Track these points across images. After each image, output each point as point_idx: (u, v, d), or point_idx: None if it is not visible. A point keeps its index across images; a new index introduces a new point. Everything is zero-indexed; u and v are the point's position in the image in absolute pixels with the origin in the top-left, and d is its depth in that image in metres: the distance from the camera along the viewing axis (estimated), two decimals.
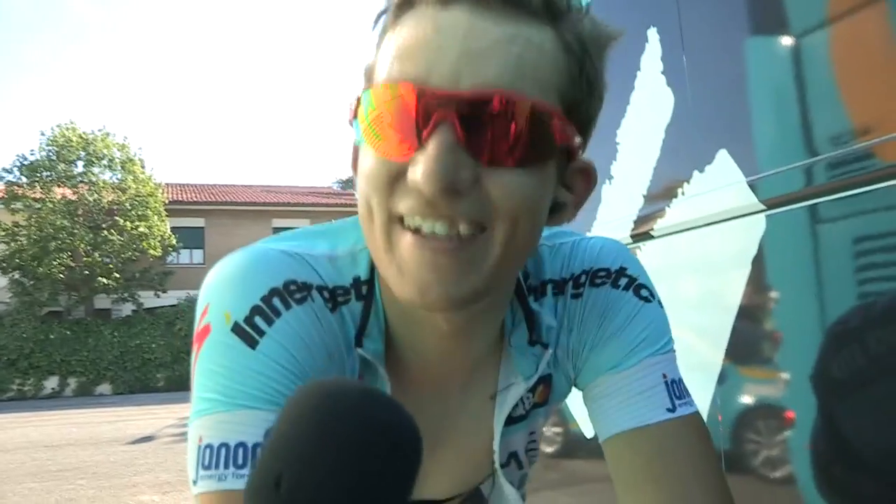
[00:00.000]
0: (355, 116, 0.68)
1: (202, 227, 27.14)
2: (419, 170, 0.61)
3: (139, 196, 23.40)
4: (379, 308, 0.78)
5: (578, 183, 0.76)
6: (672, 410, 0.79)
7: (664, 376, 0.82)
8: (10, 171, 22.72)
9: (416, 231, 0.64)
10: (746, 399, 1.69)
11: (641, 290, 0.86)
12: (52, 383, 22.83)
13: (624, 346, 0.83)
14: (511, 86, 0.62)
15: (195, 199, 27.91)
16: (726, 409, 1.70)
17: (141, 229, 23.08)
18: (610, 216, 2.13)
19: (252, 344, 0.68)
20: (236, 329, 0.69)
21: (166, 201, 24.84)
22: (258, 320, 0.69)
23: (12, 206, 22.11)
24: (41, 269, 21.94)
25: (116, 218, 22.83)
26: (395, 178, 0.64)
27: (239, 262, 0.74)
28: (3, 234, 21.92)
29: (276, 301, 0.70)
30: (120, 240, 22.78)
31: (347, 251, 0.79)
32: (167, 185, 27.35)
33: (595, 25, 0.70)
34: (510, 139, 0.62)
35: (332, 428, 0.42)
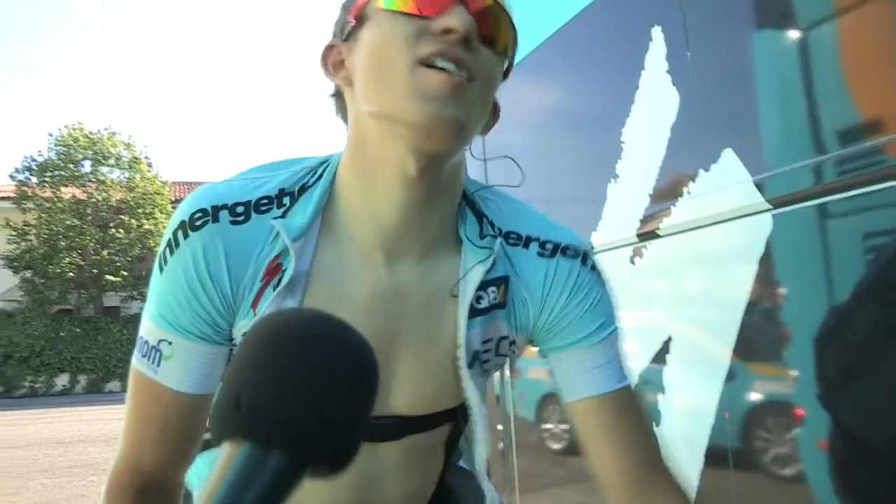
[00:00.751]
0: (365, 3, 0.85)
1: None
2: (449, 18, 0.79)
3: (146, 194, 23.44)
4: (317, 192, 0.89)
5: (492, 112, 0.93)
6: (622, 381, 0.95)
7: (618, 351, 0.96)
8: (20, 172, 22.79)
9: (434, 68, 0.79)
10: (754, 396, 1.69)
11: (601, 275, 0.98)
12: (62, 380, 22.91)
13: (594, 322, 0.94)
14: (501, 3, 0.85)
15: None
16: (733, 406, 1.70)
17: (147, 227, 23.14)
18: (615, 215, 2.13)
19: (161, 269, 0.87)
20: (158, 260, 0.87)
21: (172, 199, 24.90)
22: (167, 251, 0.86)
23: (23, 205, 22.17)
24: (51, 267, 22.01)
25: (123, 216, 22.89)
26: (417, 34, 0.79)
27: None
28: (14, 233, 22.01)
29: (179, 233, 0.86)
30: (127, 238, 22.84)
31: (290, 172, 0.92)
32: (173, 183, 27.40)
33: None
34: (499, 31, 0.84)
35: (280, 347, 0.46)
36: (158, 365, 0.87)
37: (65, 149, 22.97)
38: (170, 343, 0.86)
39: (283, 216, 0.87)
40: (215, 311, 0.86)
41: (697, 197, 1.78)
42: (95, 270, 22.58)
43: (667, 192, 1.91)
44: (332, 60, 0.91)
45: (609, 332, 0.95)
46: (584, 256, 0.96)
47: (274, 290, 0.85)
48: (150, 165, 24.30)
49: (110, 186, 23.11)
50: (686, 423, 1.83)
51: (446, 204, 0.91)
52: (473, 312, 0.91)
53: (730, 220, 1.69)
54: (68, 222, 22.02)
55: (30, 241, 22.13)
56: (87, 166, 23.26)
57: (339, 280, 0.88)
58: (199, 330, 0.86)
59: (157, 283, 0.87)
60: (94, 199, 22.75)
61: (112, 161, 23.56)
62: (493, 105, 0.92)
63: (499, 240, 0.93)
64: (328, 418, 0.45)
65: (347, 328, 0.49)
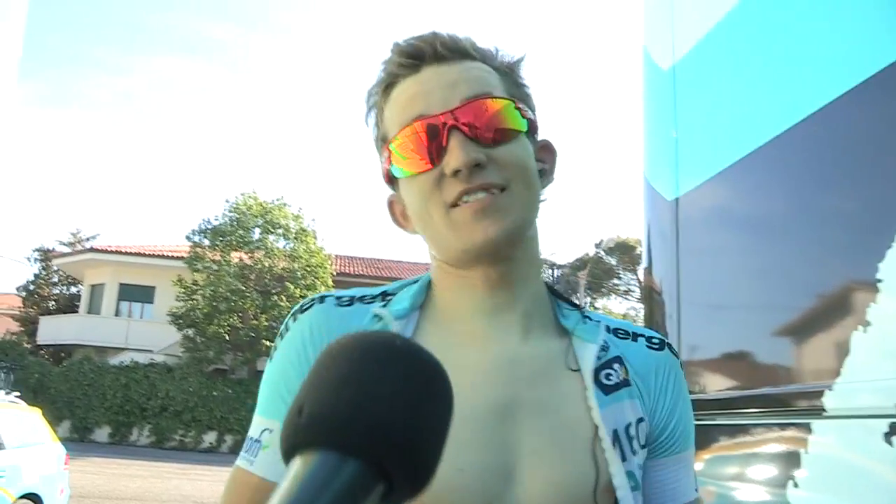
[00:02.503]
0: (390, 166, 0.95)
1: None
2: (451, 161, 0.87)
3: (309, 266, 24.31)
4: (415, 288, 0.98)
5: (546, 155, 1.00)
6: (697, 487, 1.00)
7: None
8: (196, 234, 24.34)
9: (465, 203, 0.87)
10: None
11: None
12: (210, 437, 23.80)
13: (691, 423, 0.99)
14: (482, 94, 0.91)
15: (361, 273, 28.78)
16: None
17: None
18: (865, 374, 1.62)
19: (271, 359, 0.95)
20: (271, 353, 0.96)
21: (334, 273, 25.69)
22: (278, 339, 0.95)
23: (194, 266, 23.58)
24: (212, 327, 23.12)
25: (287, 283, 23.78)
26: (437, 182, 0.89)
27: None
28: (183, 291, 23.40)
29: (290, 320, 0.95)
30: (288, 306, 23.66)
31: (401, 285, 1.01)
32: (337, 256, 28.38)
33: (501, 55, 0.98)
34: (497, 122, 0.90)
35: (339, 357, 0.48)
36: (255, 456, 0.89)
37: (238, 215, 24.35)
38: (270, 431, 0.89)
39: (384, 307, 0.95)
40: None
41: None
42: (252, 334, 23.48)
43: None
44: (400, 212, 1.01)
45: (693, 437, 1.00)
46: (678, 356, 1.01)
47: None
48: (315, 238, 25.31)
49: (276, 255, 24.17)
50: None
51: (532, 272, 0.97)
52: (606, 389, 0.92)
53: None
54: (233, 286, 23.14)
55: (195, 300, 23.41)
56: (256, 233, 24.52)
57: (444, 353, 0.73)
58: None
59: (267, 372, 0.94)
60: (258, 266, 23.84)
61: (280, 231, 24.71)
62: (547, 149, 1.00)
63: (602, 323, 0.98)
64: (394, 417, 0.44)
65: (409, 341, 0.50)
